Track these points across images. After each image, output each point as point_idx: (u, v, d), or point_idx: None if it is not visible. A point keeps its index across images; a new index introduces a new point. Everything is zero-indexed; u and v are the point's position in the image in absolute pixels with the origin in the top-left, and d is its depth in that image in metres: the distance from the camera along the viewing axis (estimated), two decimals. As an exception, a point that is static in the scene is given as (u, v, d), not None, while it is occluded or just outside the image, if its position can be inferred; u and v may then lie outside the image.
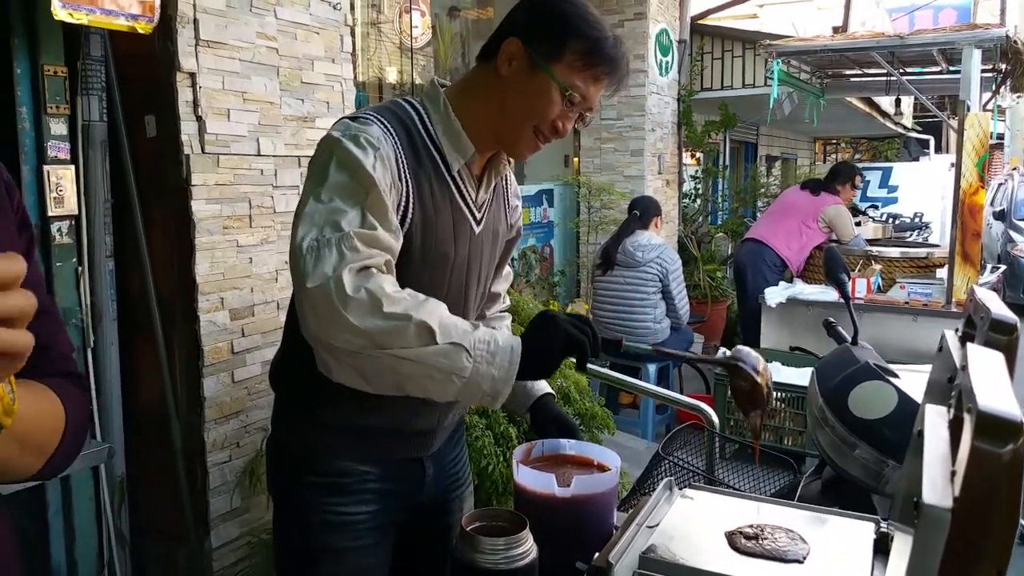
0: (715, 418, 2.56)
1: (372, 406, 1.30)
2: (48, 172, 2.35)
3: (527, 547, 1.15)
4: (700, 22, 6.99)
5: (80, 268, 2.46)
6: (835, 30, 8.98)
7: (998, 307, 0.97)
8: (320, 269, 1.14)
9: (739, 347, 1.40)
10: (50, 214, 2.36)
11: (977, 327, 0.98)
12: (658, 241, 4.52)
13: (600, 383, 3.69)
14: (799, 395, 3.25)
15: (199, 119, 2.46)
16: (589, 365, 1.27)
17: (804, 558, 1.12)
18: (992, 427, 0.56)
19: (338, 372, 1.20)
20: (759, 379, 1.33)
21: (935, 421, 0.76)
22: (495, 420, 2.61)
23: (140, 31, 2.26)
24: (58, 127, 2.38)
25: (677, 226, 6.82)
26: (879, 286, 4.53)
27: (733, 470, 2.63)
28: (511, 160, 1.51)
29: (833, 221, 5.26)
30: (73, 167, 2.42)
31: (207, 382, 2.54)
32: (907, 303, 4.10)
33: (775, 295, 4.54)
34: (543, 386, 1.64)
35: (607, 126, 6.08)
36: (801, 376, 3.32)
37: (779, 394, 3.40)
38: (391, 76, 5.12)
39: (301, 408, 1.43)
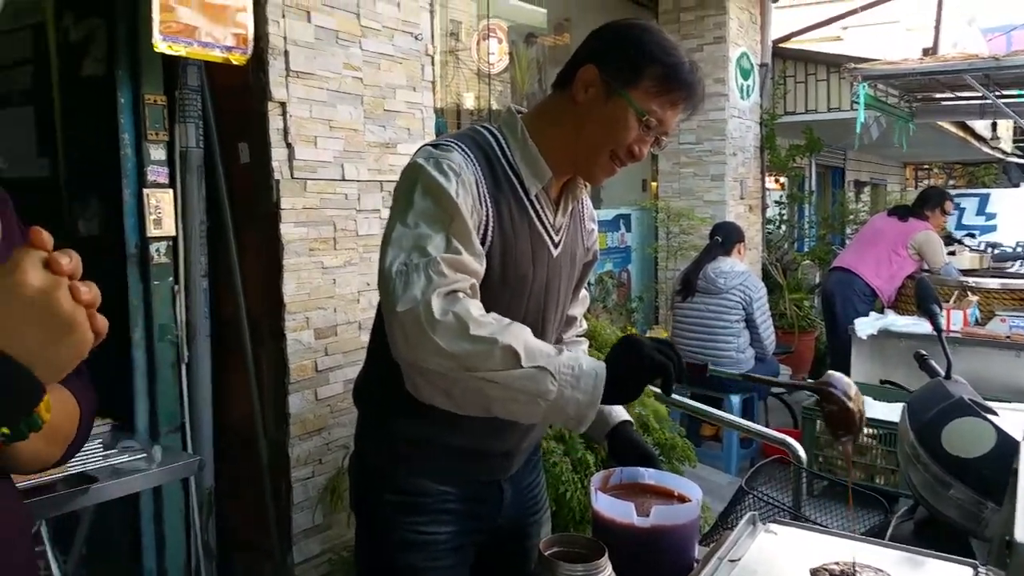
0: (802, 453, 2.47)
1: (452, 425, 1.32)
2: (148, 195, 2.48)
3: (606, 575, 1.14)
4: (782, 45, 6.88)
5: (176, 287, 2.58)
6: (925, 52, 8.69)
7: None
8: (409, 293, 1.17)
9: (830, 372, 1.38)
10: (149, 235, 2.49)
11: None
12: (741, 268, 4.43)
13: (681, 413, 3.62)
14: (892, 431, 3.11)
15: (288, 146, 2.56)
16: (675, 397, 1.27)
17: (895, 599, 1.07)
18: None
19: (427, 393, 1.25)
20: (851, 404, 1.30)
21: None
22: (572, 446, 2.59)
23: (235, 62, 2.36)
24: (157, 153, 2.51)
25: (761, 253, 6.68)
26: (977, 319, 4.32)
27: (820, 508, 2.53)
28: (587, 184, 1.52)
29: (923, 247, 5.06)
30: (171, 191, 2.55)
31: (292, 399, 2.61)
32: (1008, 337, 3.89)
33: (866, 326, 4.38)
34: (621, 413, 1.62)
35: (686, 150, 6.02)
36: (894, 412, 3.16)
37: (871, 430, 3.27)
38: (469, 102, 5.21)
39: (383, 425, 1.46)
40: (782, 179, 7.96)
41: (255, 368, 2.65)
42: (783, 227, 7.28)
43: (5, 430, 0.68)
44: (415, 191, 1.26)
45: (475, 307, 1.19)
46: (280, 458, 2.65)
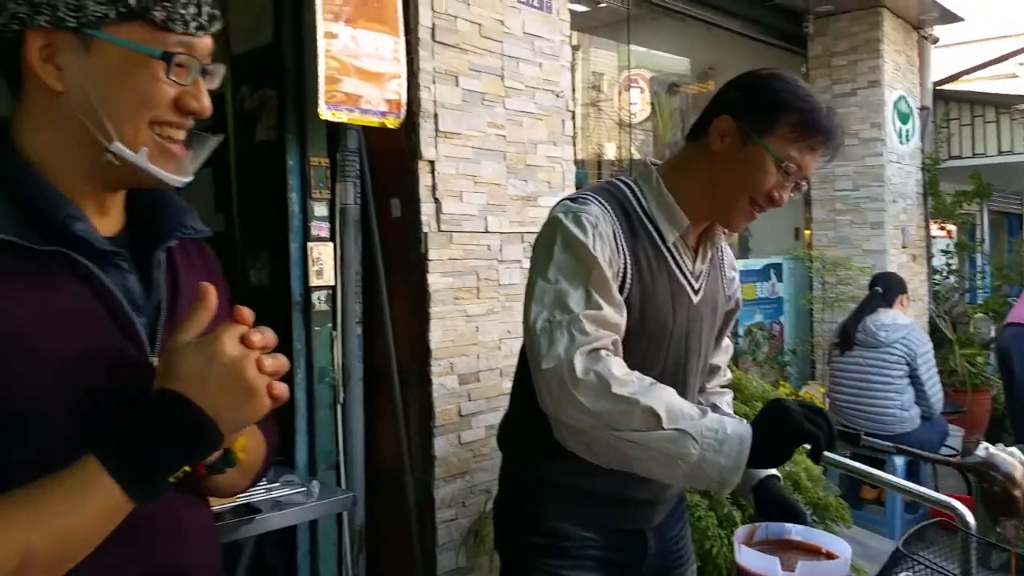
0: (970, 519, 2.28)
1: (593, 471, 1.33)
2: (311, 248, 2.71)
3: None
4: (944, 87, 6.55)
5: (334, 333, 2.77)
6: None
7: None
8: (554, 351, 1.23)
9: (992, 451, 1.30)
10: (311, 284, 2.70)
11: None
12: (905, 320, 4.19)
13: (840, 473, 3.43)
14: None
15: (436, 201, 2.72)
16: (832, 455, 1.24)
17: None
18: None
19: (572, 444, 1.29)
20: (1015, 491, 1.22)
21: None
22: (718, 501, 2.53)
23: (389, 126, 2.57)
24: (320, 209, 2.74)
25: (928, 305, 6.29)
26: None
27: (994, 580, 2.32)
28: (727, 231, 1.53)
29: None
30: (332, 244, 2.76)
31: (437, 442, 2.72)
32: None
33: (1048, 385, 4.00)
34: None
35: (842, 197, 5.81)
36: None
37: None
38: (610, 152, 5.28)
39: (526, 469, 1.50)
40: (950, 227, 7.49)
41: (403, 411, 2.78)
42: (952, 277, 6.81)
43: (187, 468, 0.81)
44: (555, 245, 1.33)
45: (617, 366, 1.22)
46: (425, 499, 2.74)
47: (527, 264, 3.02)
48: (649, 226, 1.41)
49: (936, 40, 6.33)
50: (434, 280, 2.71)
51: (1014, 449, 3.44)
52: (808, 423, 1.16)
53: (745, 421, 1.23)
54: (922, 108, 6.10)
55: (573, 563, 1.44)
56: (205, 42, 0.89)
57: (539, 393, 1.27)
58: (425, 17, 2.69)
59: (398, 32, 2.57)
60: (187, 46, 0.86)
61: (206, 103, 0.89)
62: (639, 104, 5.80)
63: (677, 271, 1.43)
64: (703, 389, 1.64)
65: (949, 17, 6.06)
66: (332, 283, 2.76)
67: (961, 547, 2.39)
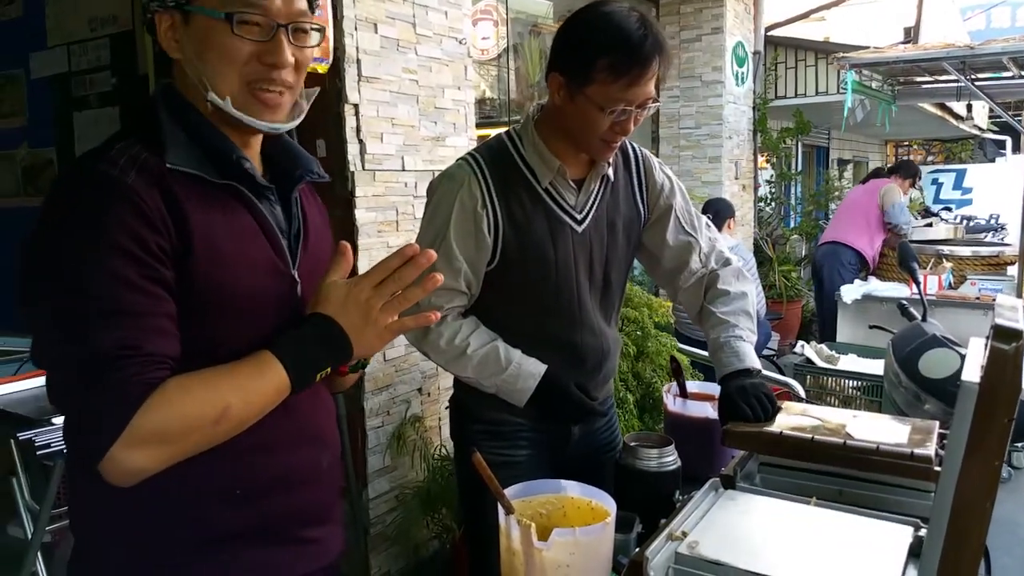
0: (801, 391, 2.96)
1: None
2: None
3: (673, 458, 1.57)
4: (772, 33, 7.29)
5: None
6: (907, 32, 9.08)
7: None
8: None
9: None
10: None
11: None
12: (732, 241, 4.89)
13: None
14: (873, 383, 3.55)
15: (360, 142, 2.95)
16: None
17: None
18: (1003, 334, 0.96)
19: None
20: None
21: (976, 345, 1.16)
22: (615, 388, 3.00)
23: (320, 71, 2.76)
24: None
25: (753, 228, 7.12)
26: (951, 283, 4.79)
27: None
28: (608, 163, 1.68)
29: (885, 195, 5.63)
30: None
31: (366, 360, 3.02)
32: (978, 298, 4.35)
33: (851, 292, 4.84)
34: (746, 360, 1.68)
35: (685, 135, 6.45)
36: (874, 367, 3.63)
37: (855, 382, 3.72)
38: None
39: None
40: (772, 159, 8.39)
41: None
42: (772, 204, 7.72)
43: (328, 369, 1.10)
44: (428, 211, 1.66)
45: (445, 338, 1.65)
46: (356, 410, 3.06)
47: (438, 199, 3.32)
48: (525, 172, 1.62)
49: (769, -10, 7.05)
50: (360, 215, 2.97)
51: (822, 347, 4.21)
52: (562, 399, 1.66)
53: (541, 375, 1.65)
54: (755, 53, 6.80)
55: (509, 443, 1.76)
56: (281, 4, 1.04)
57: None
58: (347, -35, 2.85)
59: (324, -20, 2.74)
60: (258, 7, 1.02)
61: (284, 57, 1.05)
62: (492, 39, 5.90)
63: (555, 208, 1.63)
64: (708, 296, 1.86)
65: (781, -31, 6.78)
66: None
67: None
